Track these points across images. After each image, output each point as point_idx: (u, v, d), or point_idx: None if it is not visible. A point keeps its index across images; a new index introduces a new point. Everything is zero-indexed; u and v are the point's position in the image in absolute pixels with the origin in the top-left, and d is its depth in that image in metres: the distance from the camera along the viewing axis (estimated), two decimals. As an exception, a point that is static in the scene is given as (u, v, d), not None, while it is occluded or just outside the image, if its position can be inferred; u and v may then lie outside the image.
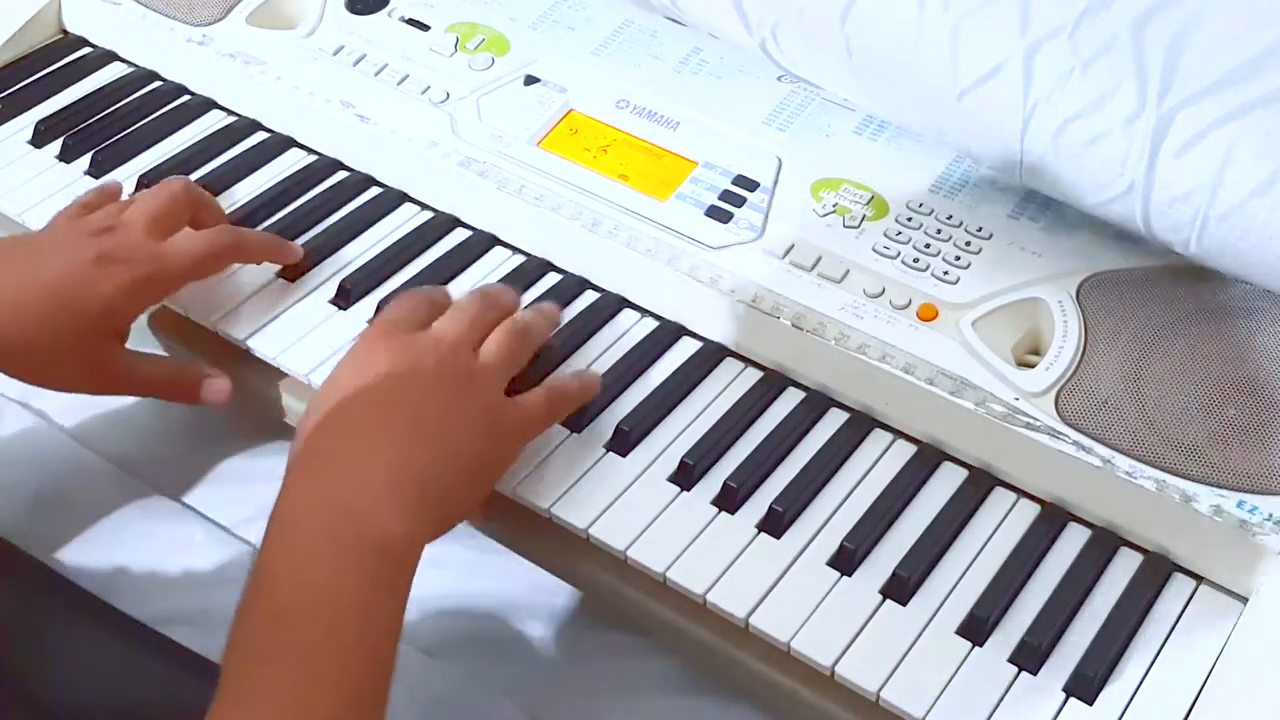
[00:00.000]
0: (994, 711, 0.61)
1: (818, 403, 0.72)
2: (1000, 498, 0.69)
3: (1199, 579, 0.66)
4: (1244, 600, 0.64)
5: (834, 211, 0.78)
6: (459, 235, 0.81)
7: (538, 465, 0.69)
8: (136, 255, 0.71)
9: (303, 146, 0.87)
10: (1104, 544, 0.67)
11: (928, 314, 0.73)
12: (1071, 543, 0.67)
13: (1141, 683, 0.62)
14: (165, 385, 0.75)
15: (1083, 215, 0.75)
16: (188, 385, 0.74)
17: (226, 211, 0.81)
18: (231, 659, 0.56)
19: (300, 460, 0.61)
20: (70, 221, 0.74)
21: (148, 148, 0.86)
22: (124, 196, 0.82)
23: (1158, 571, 0.66)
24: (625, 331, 0.76)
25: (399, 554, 0.59)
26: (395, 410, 0.63)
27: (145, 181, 0.83)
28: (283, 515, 0.59)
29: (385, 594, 0.58)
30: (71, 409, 0.82)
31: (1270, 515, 0.64)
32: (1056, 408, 0.68)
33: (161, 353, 0.78)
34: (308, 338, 0.75)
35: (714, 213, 0.78)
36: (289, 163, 0.86)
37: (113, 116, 0.88)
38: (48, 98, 0.90)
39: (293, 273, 0.78)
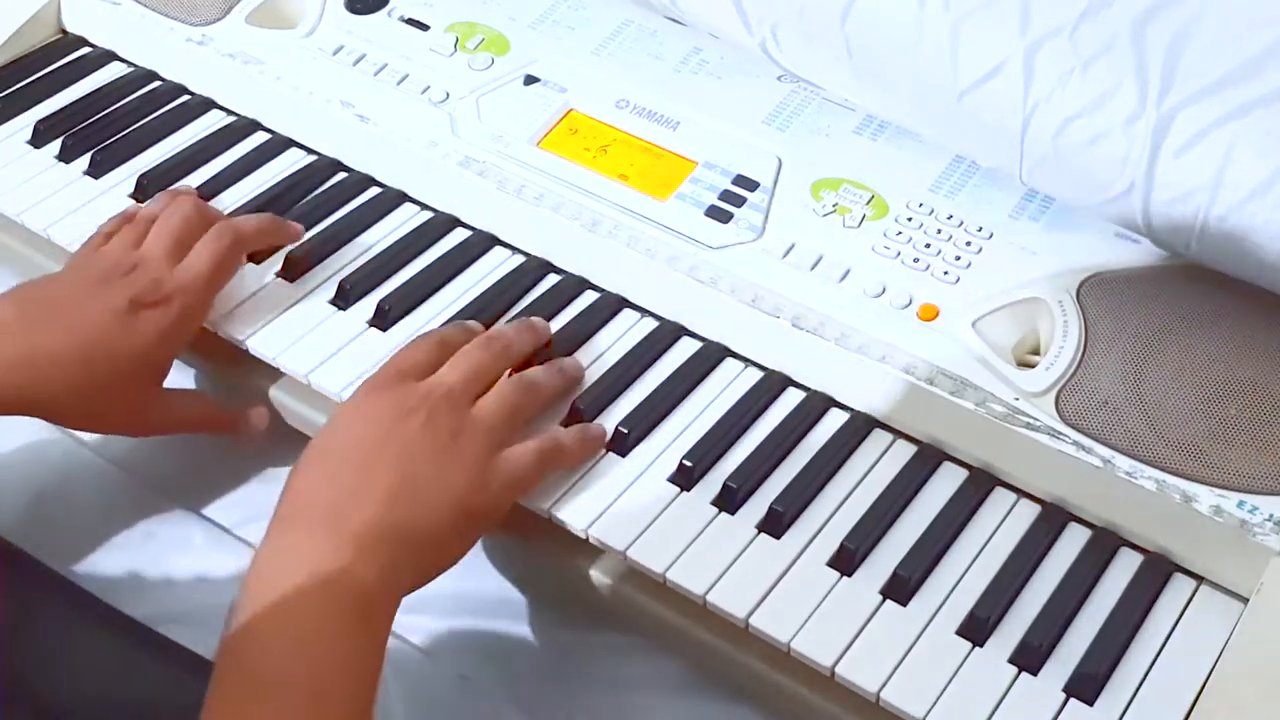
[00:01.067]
0: (994, 712, 0.61)
1: (818, 403, 0.72)
2: (1000, 498, 0.69)
3: (1199, 579, 0.66)
4: (1244, 600, 0.64)
5: (834, 211, 0.78)
6: (459, 235, 0.81)
7: (538, 465, 0.69)
8: (165, 294, 0.72)
9: (302, 146, 0.86)
10: (1104, 544, 0.67)
11: (928, 314, 0.73)
12: (1072, 543, 0.67)
13: (1142, 683, 0.62)
14: (203, 424, 0.76)
15: (1083, 215, 0.75)
16: (225, 421, 0.76)
17: (226, 213, 0.81)
18: (207, 708, 0.56)
19: (283, 516, 0.62)
20: (93, 258, 0.74)
21: (147, 148, 0.86)
22: (127, 195, 0.82)
23: (1158, 572, 0.66)
24: (625, 331, 0.76)
25: (376, 606, 0.60)
26: (378, 468, 0.63)
27: (144, 182, 0.83)
28: (261, 572, 0.60)
29: (361, 645, 0.59)
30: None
31: (1270, 515, 0.64)
32: (1057, 408, 0.68)
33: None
34: (307, 338, 0.75)
35: (714, 213, 0.78)
36: (288, 162, 0.86)
37: (112, 116, 0.88)
38: (47, 97, 0.89)
39: (292, 271, 0.78)
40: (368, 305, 0.77)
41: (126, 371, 0.71)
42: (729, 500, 0.68)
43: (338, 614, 0.59)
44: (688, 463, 0.69)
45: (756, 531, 0.67)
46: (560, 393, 0.72)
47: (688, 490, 0.69)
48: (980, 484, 0.69)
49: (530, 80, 0.86)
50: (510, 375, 0.70)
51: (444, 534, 0.63)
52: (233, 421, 0.76)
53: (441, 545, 0.64)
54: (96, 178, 0.84)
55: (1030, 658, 0.62)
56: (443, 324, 0.75)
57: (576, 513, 0.67)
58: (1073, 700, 0.61)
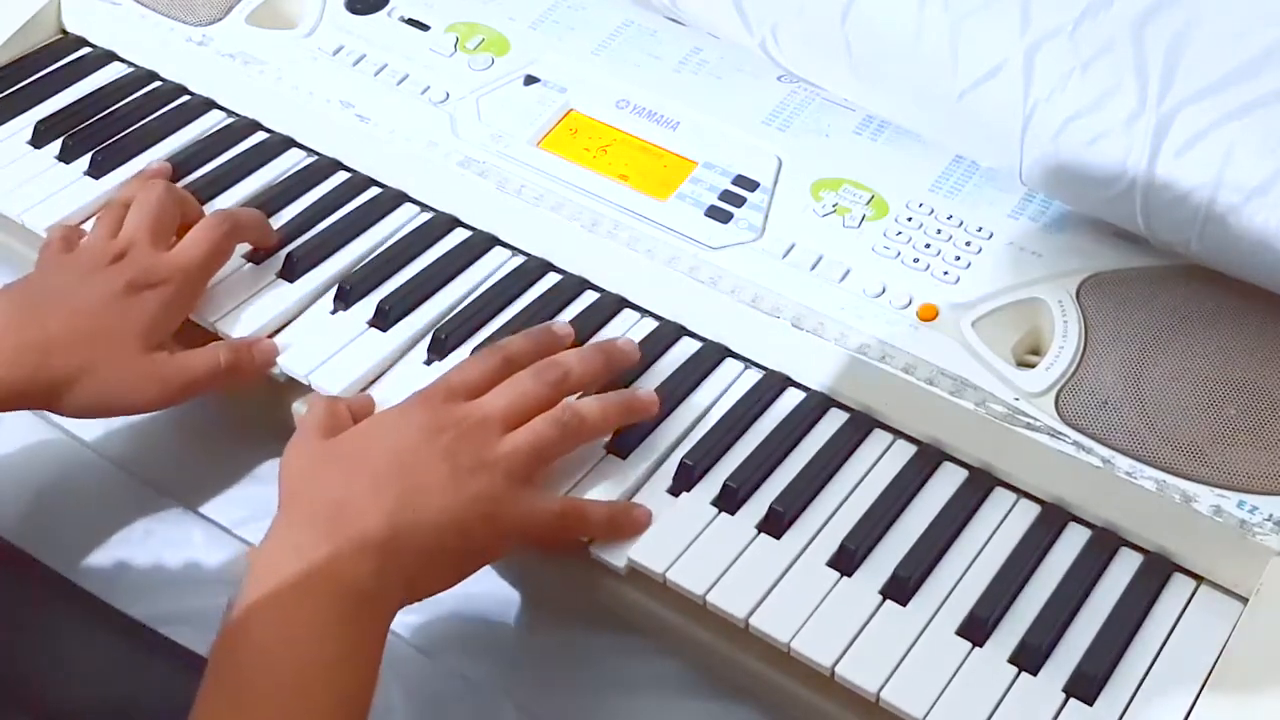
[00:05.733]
0: (994, 712, 0.61)
1: (818, 403, 0.72)
2: (1000, 498, 0.69)
3: (1199, 579, 0.66)
4: (1244, 600, 0.64)
5: (834, 211, 0.78)
6: (459, 235, 0.81)
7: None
8: (159, 275, 0.73)
9: (302, 147, 0.86)
10: (1104, 544, 0.67)
11: (928, 314, 0.73)
12: (1071, 543, 0.67)
13: (1142, 683, 0.62)
14: (225, 373, 0.73)
15: (1083, 215, 0.75)
16: (244, 363, 0.73)
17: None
18: (203, 706, 0.57)
19: (288, 507, 0.62)
20: (65, 256, 0.74)
21: (147, 148, 0.86)
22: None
23: (1158, 571, 0.66)
24: (625, 331, 0.76)
25: (367, 610, 0.60)
26: (389, 480, 0.63)
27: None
28: (260, 565, 0.60)
29: (352, 647, 0.59)
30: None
31: (1270, 515, 0.64)
32: (1056, 408, 0.68)
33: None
34: (308, 339, 0.75)
35: (714, 213, 0.78)
36: (289, 163, 0.86)
37: (112, 117, 0.88)
38: (47, 98, 0.89)
39: (292, 271, 0.78)
40: (368, 305, 0.77)
41: (133, 345, 0.71)
42: (729, 500, 0.68)
43: (329, 611, 0.59)
44: (688, 463, 0.69)
45: (756, 531, 0.67)
46: (612, 428, 0.70)
47: (688, 490, 0.69)
48: (980, 484, 0.69)
49: (530, 80, 0.86)
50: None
51: (436, 557, 0.63)
52: (249, 366, 0.73)
53: (433, 567, 0.64)
54: (97, 178, 0.84)
55: (1030, 658, 0.62)
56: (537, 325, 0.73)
57: (576, 513, 0.67)
58: (1073, 700, 0.61)
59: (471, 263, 0.80)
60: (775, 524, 0.67)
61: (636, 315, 0.77)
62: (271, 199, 0.83)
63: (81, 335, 0.70)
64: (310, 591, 0.59)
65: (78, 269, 0.73)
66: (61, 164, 0.85)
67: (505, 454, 0.65)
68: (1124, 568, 0.66)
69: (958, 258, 0.75)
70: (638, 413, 0.70)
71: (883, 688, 0.61)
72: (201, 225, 0.76)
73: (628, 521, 0.67)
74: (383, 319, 0.76)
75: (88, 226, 0.79)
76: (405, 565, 0.62)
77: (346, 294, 0.77)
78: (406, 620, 0.73)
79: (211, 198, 0.83)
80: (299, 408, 0.74)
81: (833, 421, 0.72)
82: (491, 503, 0.64)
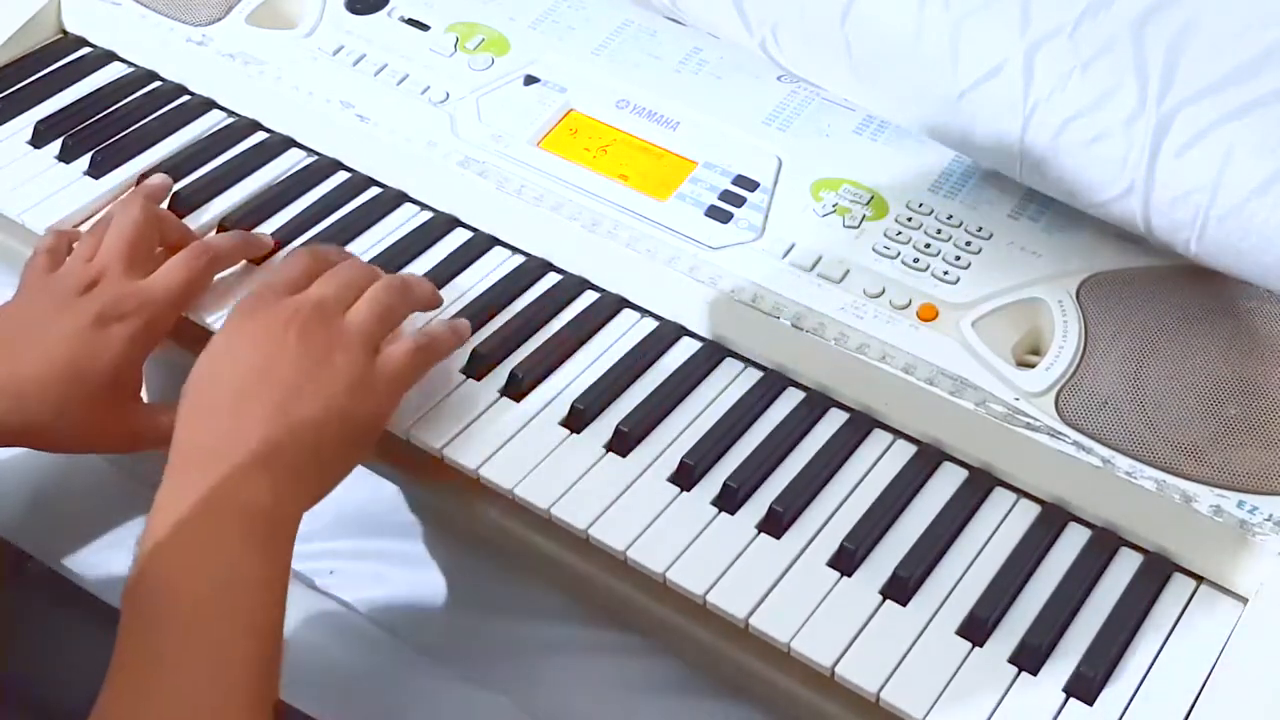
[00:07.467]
0: (994, 712, 0.61)
1: (818, 403, 0.72)
2: (1000, 498, 0.69)
3: (1199, 579, 0.66)
4: (1244, 600, 0.64)
5: (834, 211, 0.78)
6: (459, 235, 0.81)
7: (537, 465, 0.69)
8: (129, 306, 0.71)
9: (302, 147, 0.86)
10: (1104, 544, 0.67)
11: (928, 314, 0.73)
12: (1071, 543, 0.67)
13: (1142, 683, 0.62)
14: None
15: (1083, 215, 0.75)
16: None
17: (224, 212, 0.82)
18: (117, 652, 0.57)
19: (172, 466, 0.62)
20: (46, 279, 0.73)
21: (147, 148, 0.86)
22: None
23: (1158, 571, 0.66)
24: (625, 331, 0.76)
25: (273, 523, 0.61)
26: (253, 398, 0.63)
27: (140, 182, 0.83)
28: (156, 518, 0.60)
29: (262, 562, 0.60)
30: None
31: (1270, 515, 0.64)
32: (1056, 408, 0.68)
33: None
34: (307, 338, 0.75)
35: (714, 213, 0.78)
36: (289, 163, 0.86)
37: (112, 116, 0.88)
38: (47, 98, 0.89)
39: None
40: (368, 305, 0.77)
41: (101, 388, 0.70)
42: (729, 500, 0.68)
43: (234, 540, 0.59)
44: (688, 462, 0.69)
45: (756, 531, 0.67)
46: (430, 296, 0.73)
47: (688, 490, 0.69)
48: (980, 484, 0.69)
49: (530, 80, 0.86)
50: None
51: (332, 445, 0.64)
52: None
53: (329, 458, 0.64)
54: (96, 178, 0.84)
55: (1030, 658, 0.62)
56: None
57: (577, 513, 0.67)
58: (1073, 700, 0.61)
59: (471, 263, 0.80)
60: (775, 524, 0.67)
61: (636, 315, 0.77)
62: (271, 199, 0.83)
63: (52, 378, 0.69)
64: (214, 525, 0.60)
65: (52, 299, 0.72)
66: (61, 164, 0.85)
67: (354, 326, 0.67)
68: (1124, 568, 0.66)
69: (958, 258, 0.75)
70: (433, 290, 0.74)
71: (883, 688, 0.61)
72: (180, 256, 0.74)
73: (463, 324, 0.73)
74: (383, 319, 0.76)
75: (85, 228, 0.79)
76: (301, 471, 0.62)
77: (346, 294, 0.77)
78: (405, 619, 0.73)
79: (211, 198, 0.83)
80: None
81: (833, 421, 0.72)
82: (359, 376, 0.65)
